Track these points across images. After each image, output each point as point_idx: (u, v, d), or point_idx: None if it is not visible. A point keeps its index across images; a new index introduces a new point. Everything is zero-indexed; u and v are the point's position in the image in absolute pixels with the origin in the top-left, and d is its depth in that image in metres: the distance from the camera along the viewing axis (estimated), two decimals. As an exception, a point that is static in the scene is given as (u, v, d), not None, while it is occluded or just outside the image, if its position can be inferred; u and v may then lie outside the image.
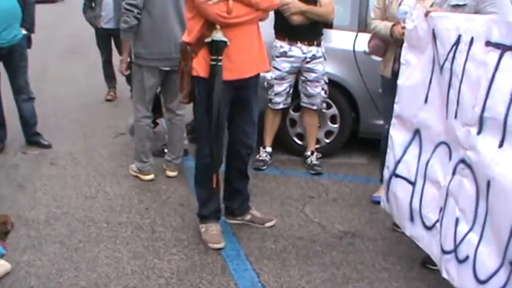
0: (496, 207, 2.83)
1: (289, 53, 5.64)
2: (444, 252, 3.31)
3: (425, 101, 3.65)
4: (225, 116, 4.20)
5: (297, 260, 4.16)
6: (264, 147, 5.96)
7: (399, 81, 4.02)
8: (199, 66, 4.04)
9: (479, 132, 2.97)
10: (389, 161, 4.11)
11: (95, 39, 8.50)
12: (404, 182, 3.88)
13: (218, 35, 3.93)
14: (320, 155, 6.02)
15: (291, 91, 5.78)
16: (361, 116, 6.05)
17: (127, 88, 7.70)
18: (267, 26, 5.05)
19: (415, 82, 3.80)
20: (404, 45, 4.00)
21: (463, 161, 3.14)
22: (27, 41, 6.21)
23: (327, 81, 5.78)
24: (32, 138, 6.40)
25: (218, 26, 3.93)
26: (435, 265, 3.76)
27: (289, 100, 5.82)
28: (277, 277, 3.93)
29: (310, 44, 5.66)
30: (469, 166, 3.06)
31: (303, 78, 5.75)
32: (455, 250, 3.18)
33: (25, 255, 4.11)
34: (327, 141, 6.22)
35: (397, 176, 3.99)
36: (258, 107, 4.43)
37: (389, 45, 4.73)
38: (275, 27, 5.68)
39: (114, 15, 7.80)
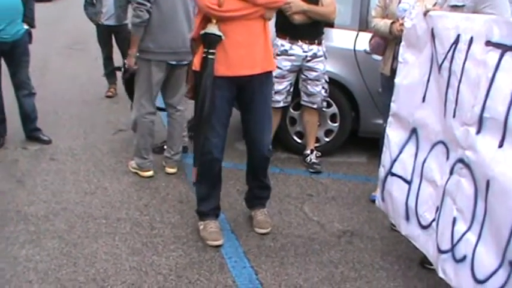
0: (496, 206, 2.82)
1: (290, 52, 5.65)
2: (441, 251, 3.31)
3: (423, 99, 3.65)
4: (224, 115, 4.19)
5: (296, 258, 4.17)
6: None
7: (396, 80, 4.03)
8: (197, 60, 4.08)
9: (478, 132, 2.97)
10: (385, 159, 4.11)
11: (95, 36, 8.50)
12: (400, 181, 3.88)
13: (211, 29, 3.94)
14: (319, 154, 6.03)
15: (291, 89, 5.79)
16: (361, 115, 6.05)
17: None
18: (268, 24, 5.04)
19: (413, 81, 3.80)
20: (402, 43, 4.00)
21: (461, 160, 3.13)
22: (28, 36, 6.20)
23: (327, 80, 5.79)
24: (32, 133, 6.40)
25: (214, 20, 3.94)
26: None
27: (289, 99, 5.83)
28: (275, 275, 3.93)
29: (311, 43, 5.67)
30: (468, 166, 3.06)
31: (303, 76, 5.76)
32: (452, 249, 3.17)
33: (24, 249, 4.12)
34: (327, 139, 6.23)
35: (393, 174, 3.99)
36: (270, 110, 4.40)
37: (389, 43, 4.74)
38: (276, 26, 5.68)
39: (115, 12, 7.81)
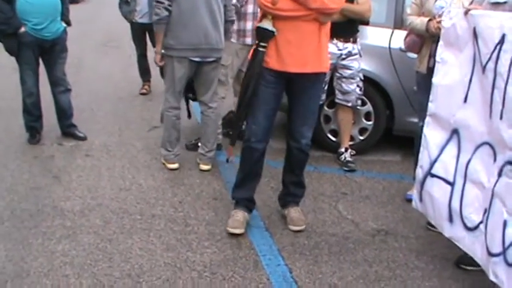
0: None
1: None
2: (491, 254, 3.25)
3: (465, 100, 3.60)
4: (269, 106, 4.27)
5: (329, 256, 4.15)
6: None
7: (434, 80, 3.97)
8: (253, 51, 4.23)
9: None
10: (424, 160, 4.06)
11: (129, 34, 8.56)
12: (442, 182, 3.82)
13: (265, 24, 4.07)
14: (354, 152, 5.99)
15: (325, 87, 5.76)
16: (395, 114, 6.00)
17: (161, 82, 7.67)
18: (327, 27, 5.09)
19: (453, 81, 3.74)
20: (441, 43, 3.94)
21: (510, 162, 3.08)
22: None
23: (362, 78, 5.76)
24: (68, 129, 6.47)
25: (269, 16, 4.06)
26: (470, 265, 3.73)
27: (323, 97, 5.80)
28: (309, 273, 3.92)
29: (346, 41, 5.65)
30: (517, 168, 3.01)
31: (338, 74, 5.73)
32: (504, 253, 3.12)
33: (60, 244, 4.16)
34: (361, 138, 6.19)
35: (433, 175, 3.93)
36: (315, 107, 4.45)
37: (425, 40, 4.69)
38: (311, 24, 5.64)
39: (149, 10, 7.84)
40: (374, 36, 6.03)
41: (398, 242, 4.40)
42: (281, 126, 6.22)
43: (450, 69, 3.80)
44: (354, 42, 5.71)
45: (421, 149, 4.09)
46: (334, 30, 5.56)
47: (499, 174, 3.20)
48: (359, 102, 5.87)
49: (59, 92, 6.33)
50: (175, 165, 5.64)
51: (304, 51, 4.12)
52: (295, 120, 4.41)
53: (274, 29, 4.04)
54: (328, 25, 4.25)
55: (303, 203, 4.78)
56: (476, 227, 3.45)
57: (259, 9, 4.56)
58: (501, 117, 3.14)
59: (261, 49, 4.10)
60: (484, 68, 3.35)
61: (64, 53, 6.30)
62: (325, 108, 6.09)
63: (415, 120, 5.07)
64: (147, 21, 7.95)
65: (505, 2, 3.80)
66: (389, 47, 5.88)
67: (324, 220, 4.69)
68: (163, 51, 5.36)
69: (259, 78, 4.14)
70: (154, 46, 8.07)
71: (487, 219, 3.32)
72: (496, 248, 3.20)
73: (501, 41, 3.17)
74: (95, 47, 12.29)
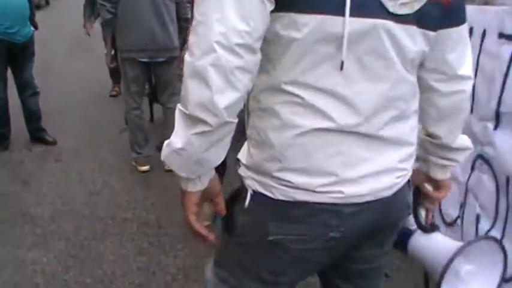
0: (517, 203, 2.76)
1: None
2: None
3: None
4: None
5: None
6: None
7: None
8: None
9: (496, 127, 2.90)
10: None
11: (98, 35, 8.44)
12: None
13: None
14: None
15: None
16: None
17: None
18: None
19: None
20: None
21: (481, 156, 3.07)
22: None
23: None
24: (37, 134, 6.36)
25: None
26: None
27: None
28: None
29: None
30: (487, 162, 2.99)
31: None
32: (477, 248, 3.12)
33: (31, 252, 4.08)
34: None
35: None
36: None
37: None
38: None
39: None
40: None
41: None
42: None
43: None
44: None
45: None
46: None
47: (472, 168, 3.20)
48: None
49: (28, 95, 6.23)
50: (146, 167, 5.57)
51: None
52: None
53: None
54: None
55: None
56: (454, 222, 3.45)
57: None
58: (472, 111, 3.14)
59: None
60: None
61: (33, 56, 6.24)
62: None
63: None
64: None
65: (475, -4, 3.80)
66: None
67: None
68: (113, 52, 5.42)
69: None
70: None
71: (463, 214, 3.32)
72: (470, 243, 3.19)
73: (469, 35, 3.16)
74: (64, 50, 12.11)
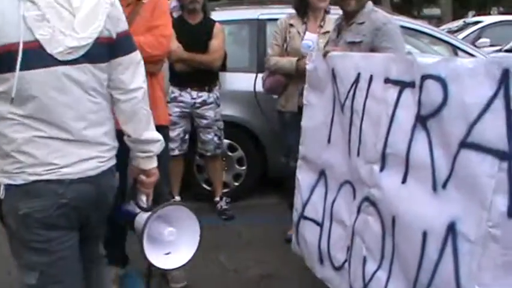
0: (402, 243, 2.81)
1: (179, 98, 5.54)
2: (354, 291, 3.26)
3: (329, 141, 3.66)
4: None
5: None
6: (173, 197, 5.78)
7: (302, 123, 4.01)
8: None
9: (382, 169, 2.97)
10: (297, 203, 4.07)
11: None
12: (313, 224, 3.85)
13: None
14: (229, 199, 5.93)
15: (185, 137, 5.66)
16: (268, 156, 6.03)
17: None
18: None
19: (318, 122, 3.80)
20: (306, 85, 3.99)
21: (367, 198, 3.12)
22: None
23: (221, 127, 5.71)
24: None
25: None
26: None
27: (185, 146, 5.68)
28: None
29: (201, 90, 5.58)
30: (374, 204, 3.05)
31: (195, 124, 5.66)
32: (364, 289, 3.14)
33: None
34: (236, 184, 6.16)
35: (305, 218, 3.95)
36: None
37: (293, 80, 4.74)
38: (169, 74, 5.54)
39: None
40: (238, 81, 6.07)
41: (283, 285, 4.37)
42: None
43: (315, 111, 3.86)
44: (210, 91, 5.63)
45: (296, 192, 4.10)
46: (187, 80, 5.51)
47: (358, 211, 3.24)
48: (218, 151, 5.79)
49: None
50: None
51: None
52: None
53: None
54: (161, 75, 4.09)
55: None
56: (342, 266, 3.47)
57: None
58: (358, 154, 3.21)
59: None
60: (342, 107, 3.42)
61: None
62: (197, 157, 6.02)
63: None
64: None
65: (360, 42, 3.92)
66: (255, 91, 5.90)
67: (208, 274, 4.56)
68: None
69: None
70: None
71: (350, 257, 3.36)
72: (358, 285, 3.21)
73: (356, 80, 3.25)
74: None
